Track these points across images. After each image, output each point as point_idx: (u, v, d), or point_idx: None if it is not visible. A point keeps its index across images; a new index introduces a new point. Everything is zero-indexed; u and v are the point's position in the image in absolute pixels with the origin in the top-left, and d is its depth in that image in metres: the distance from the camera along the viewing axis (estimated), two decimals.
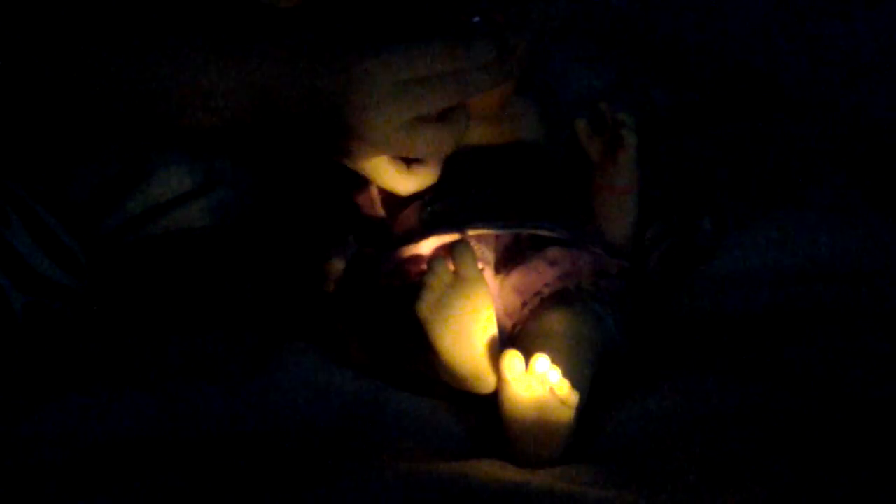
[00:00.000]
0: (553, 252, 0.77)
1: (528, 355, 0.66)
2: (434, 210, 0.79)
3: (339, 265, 0.77)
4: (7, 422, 0.66)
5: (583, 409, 0.69)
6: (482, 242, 0.77)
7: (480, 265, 0.75)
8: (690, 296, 0.81)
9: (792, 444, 0.65)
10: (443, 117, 0.72)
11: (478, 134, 0.84)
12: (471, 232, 0.76)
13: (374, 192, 0.82)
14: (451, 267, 0.68)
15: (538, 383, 0.65)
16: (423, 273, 0.67)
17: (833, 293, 0.79)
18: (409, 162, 0.76)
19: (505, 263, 0.77)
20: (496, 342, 0.69)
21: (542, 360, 0.65)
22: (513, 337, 0.75)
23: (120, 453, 0.65)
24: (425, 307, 0.66)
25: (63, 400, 0.68)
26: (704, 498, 0.61)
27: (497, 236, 0.78)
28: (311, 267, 0.79)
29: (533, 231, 0.77)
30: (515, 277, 0.76)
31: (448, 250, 0.69)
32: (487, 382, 0.69)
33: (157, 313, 0.84)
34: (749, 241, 0.82)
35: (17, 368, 0.73)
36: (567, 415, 0.66)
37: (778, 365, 0.73)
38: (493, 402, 0.68)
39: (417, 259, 0.76)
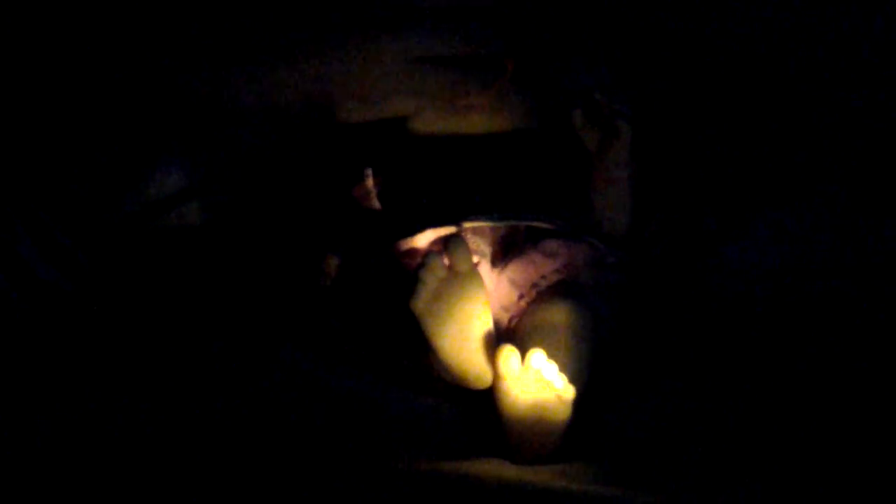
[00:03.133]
0: (550, 244, 0.76)
1: (524, 349, 0.65)
2: (430, 202, 0.79)
3: (334, 261, 0.76)
4: (7, 422, 0.66)
5: (581, 405, 0.69)
6: (478, 235, 0.76)
7: (476, 258, 0.75)
8: (692, 292, 0.80)
9: (792, 444, 0.64)
10: None
11: (472, 123, 0.83)
12: (467, 225, 0.75)
13: (370, 185, 0.81)
14: (446, 261, 0.67)
15: (534, 379, 0.64)
16: (418, 268, 0.67)
17: (835, 290, 0.79)
18: None
19: (502, 256, 0.77)
20: (492, 336, 0.69)
21: (538, 356, 0.64)
22: (510, 330, 0.74)
23: (119, 453, 0.65)
24: (420, 302, 0.66)
25: (63, 400, 0.67)
26: (704, 496, 0.61)
27: (493, 229, 0.77)
28: (307, 264, 0.79)
29: (530, 223, 0.77)
30: (512, 270, 0.76)
31: (443, 244, 0.68)
32: (483, 377, 0.69)
33: (156, 312, 0.84)
34: (751, 237, 0.82)
35: (18, 370, 0.73)
36: (564, 409, 0.65)
37: (779, 363, 0.72)
38: (490, 397, 0.68)
39: (414, 252, 0.76)
